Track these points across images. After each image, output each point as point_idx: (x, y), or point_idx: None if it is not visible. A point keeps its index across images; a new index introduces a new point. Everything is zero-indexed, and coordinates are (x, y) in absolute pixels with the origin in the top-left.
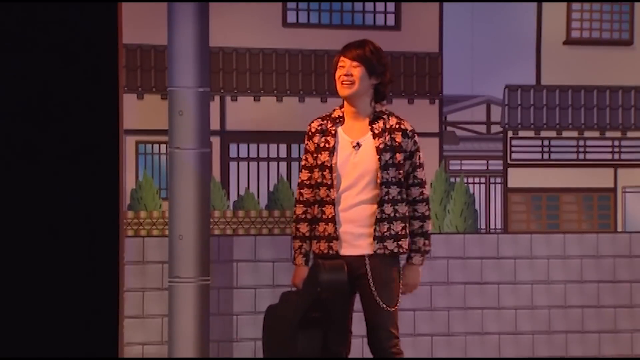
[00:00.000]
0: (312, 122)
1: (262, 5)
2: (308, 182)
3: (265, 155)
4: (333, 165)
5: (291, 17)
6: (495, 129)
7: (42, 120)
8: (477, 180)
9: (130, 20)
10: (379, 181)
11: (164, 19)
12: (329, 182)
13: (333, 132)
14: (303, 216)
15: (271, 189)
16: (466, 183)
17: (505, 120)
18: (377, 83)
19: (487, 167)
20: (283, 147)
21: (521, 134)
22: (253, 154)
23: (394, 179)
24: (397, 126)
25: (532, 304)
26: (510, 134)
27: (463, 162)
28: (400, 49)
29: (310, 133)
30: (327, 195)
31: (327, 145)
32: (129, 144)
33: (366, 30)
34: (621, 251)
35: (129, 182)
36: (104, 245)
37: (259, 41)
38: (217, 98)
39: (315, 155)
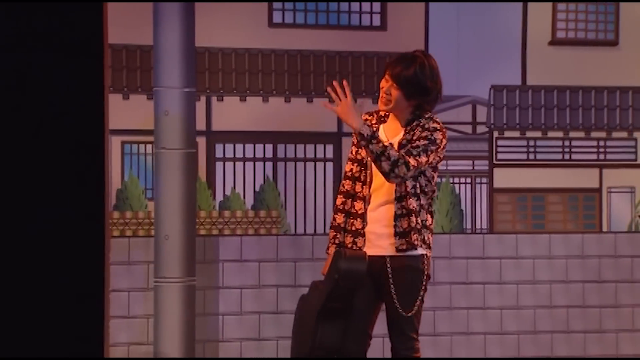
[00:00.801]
0: (362, 115)
1: (248, 5)
2: (350, 174)
3: (252, 156)
4: (368, 162)
5: (277, 17)
6: (480, 129)
7: (27, 120)
8: (462, 180)
9: (115, 21)
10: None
11: (149, 19)
12: (363, 178)
13: (375, 128)
14: (341, 207)
15: (257, 189)
16: (452, 183)
17: (490, 120)
18: (417, 103)
19: (473, 168)
20: (269, 147)
21: (507, 134)
22: (239, 154)
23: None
24: (423, 123)
25: (517, 304)
26: (495, 134)
27: (449, 162)
28: (386, 49)
29: None
30: (360, 191)
31: None
32: (114, 144)
33: (352, 31)
34: (606, 251)
35: (114, 182)
36: (90, 246)
37: (245, 41)
38: (203, 98)
39: (357, 149)
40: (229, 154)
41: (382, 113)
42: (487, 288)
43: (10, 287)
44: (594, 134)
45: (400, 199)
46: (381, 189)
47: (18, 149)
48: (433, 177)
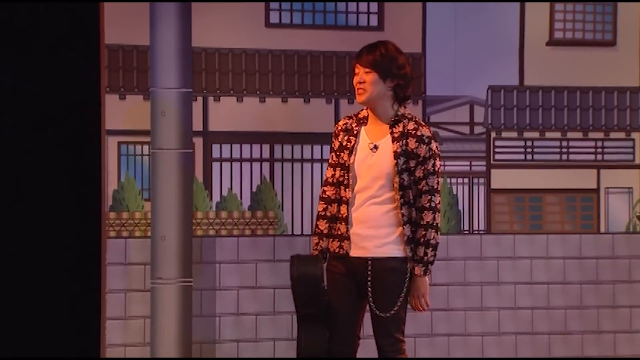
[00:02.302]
0: (340, 120)
1: (245, 5)
2: (331, 180)
3: (248, 156)
4: (350, 165)
5: (274, 18)
6: (478, 129)
7: (23, 120)
8: (460, 181)
9: (112, 21)
10: (396, 185)
11: (146, 19)
12: (346, 182)
13: (356, 132)
14: (323, 213)
15: (254, 189)
16: (449, 184)
17: (488, 120)
18: (394, 85)
19: (470, 168)
20: (266, 148)
21: (504, 134)
22: (236, 155)
23: (408, 184)
24: (413, 132)
25: (515, 305)
26: (493, 134)
27: (446, 162)
28: None
29: (336, 131)
30: (344, 195)
31: (348, 145)
32: (111, 144)
33: (349, 31)
34: (604, 252)
35: (111, 182)
36: (86, 246)
37: (242, 41)
38: (199, 99)
39: (338, 153)
40: (226, 155)
41: (361, 115)
42: (484, 289)
43: (6, 287)
44: (591, 135)
45: (400, 207)
46: (364, 191)
47: (14, 149)
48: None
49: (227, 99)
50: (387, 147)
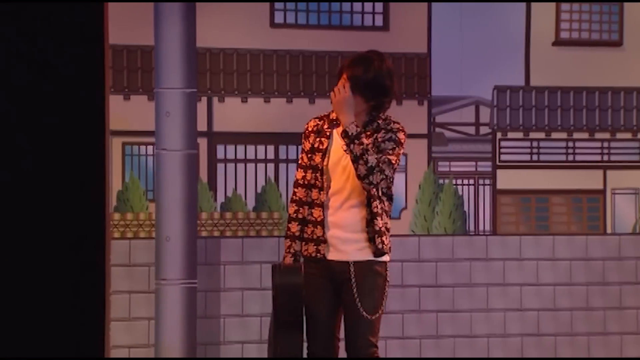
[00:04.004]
0: (309, 121)
1: (250, 5)
2: (302, 182)
3: (253, 157)
4: (324, 168)
5: (279, 18)
6: (484, 130)
7: (27, 121)
8: (465, 181)
9: (116, 21)
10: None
11: (150, 19)
12: (320, 184)
13: (328, 133)
14: (294, 215)
15: (259, 190)
16: (455, 184)
17: (494, 121)
18: (374, 105)
19: (476, 169)
20: (271, 149)
21: (510, 135)
22: (240, 155)
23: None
24: (384, 125)
25: (521, 306)
26: (499, 135)
27: (452, 163)
28: (388, 49)
29: (306, 132)
30: (317, 198)
31: (320, 147)
32: (115, 145)
33: (354, 31)
34: (610, 253)
35: (115, 183)
36: (90, 248)
37: (247, 42)
38: (204, 99)
39: (309, 155)
40: (231, 155)
41: (333, 116)
42: (490, 290)
43: (10, 288)
44: (598, 135)
45: (368, 203)
46: (340, 193)
47: (18, 150)
48: (392, 180)
49: (231, 99)
50: None
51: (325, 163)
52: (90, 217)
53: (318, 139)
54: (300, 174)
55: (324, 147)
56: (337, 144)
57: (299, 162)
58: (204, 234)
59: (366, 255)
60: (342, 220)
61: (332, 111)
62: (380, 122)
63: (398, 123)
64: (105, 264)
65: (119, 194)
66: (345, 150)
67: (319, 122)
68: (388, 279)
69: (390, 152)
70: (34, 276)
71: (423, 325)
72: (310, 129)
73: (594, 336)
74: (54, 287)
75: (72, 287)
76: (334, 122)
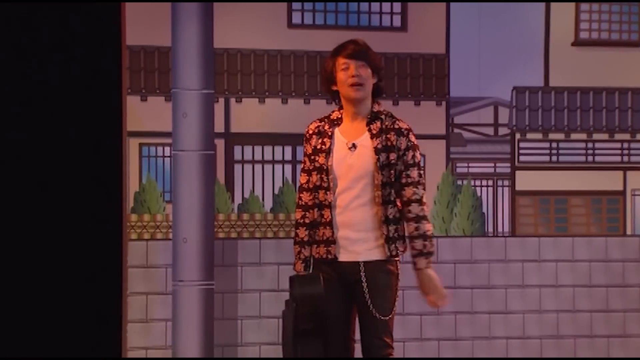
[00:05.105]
0: (310, 124)
1: (267, 6)
2: (306, 186)
3: (270, 158)
4: (329, 167)
5: (296, 18)
6: (502, 131)
7: (44, 122)
8: (484, 183)
9: (133, 21)
10: (377, 182)
11: (167, 20)
12: (326, 185)
13: (330, 133)
14: (301, 221)
15: (276, 191)
16: (473, 186)
17: (512, 122)
18: (377, 81)
19: (495, 170)
20: (288, 149)
21: (529, 136)
22: (258, 157)
23: (388, 181)
24: (391, 126)
25: (540, 308)
26: (517, 136)
27: (470, 164)
28: (406, 50)
29: (307, 136)
30: (325, 199)
31: (323, 147)
32: (132, 146)
33: (372, 32)
34: (630, 255)
35: (132, 184)
36: (107, 249)
37: (264, 42)
38: (221, 100)
39: (312, 157)
40: (248, 156)
41: (333, 116)
42: (509, 292)
43: (27, 290)
44: (617, 136)
45: (385, 205)
46: (346, 192)
47: (35, 151)
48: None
49: (249, 100)
50: (367, 144)
51: (329, 163)
52: (107, 219)
53: (320, 140)
54: (304, 178)
55: (327, 147)
56: (340, 142)
57: (302, 166)
58: (221, 235)
59: (376, 255)
60: (351, 219)
61: (333, 112)
62: (383, 117)
63: (403, 122)
64: (123, 266)
65: (136, 195)
66: (349, 149)
67: (319, 124)
68: (399, 276)
69: (417, 177)
70: (51, 277)
71: (441, 327)
72: (311, 132)
73: (614, 338)
74: (72, 288)
75: (89, 289)
76: (335, 122)
